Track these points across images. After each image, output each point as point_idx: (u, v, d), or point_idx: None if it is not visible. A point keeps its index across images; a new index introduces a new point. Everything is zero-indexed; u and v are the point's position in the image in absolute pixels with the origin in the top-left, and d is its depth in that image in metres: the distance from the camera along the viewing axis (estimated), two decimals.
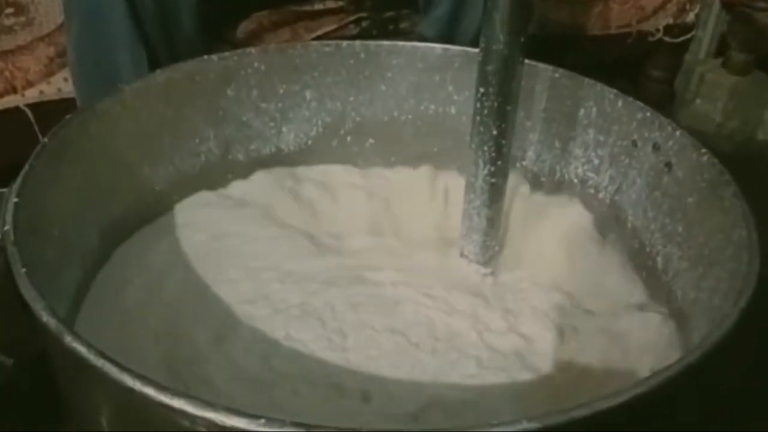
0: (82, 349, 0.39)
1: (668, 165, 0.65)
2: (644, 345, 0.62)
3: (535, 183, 0.78)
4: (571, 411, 0.38)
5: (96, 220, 0.67)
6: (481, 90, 0.60)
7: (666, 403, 0.44)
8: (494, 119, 0.61)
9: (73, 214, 0.62)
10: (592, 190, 0.75)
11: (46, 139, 0.59)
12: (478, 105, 0.61)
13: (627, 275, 0.70)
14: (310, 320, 0.63)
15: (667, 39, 1.32)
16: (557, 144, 0.76)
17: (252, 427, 0.36)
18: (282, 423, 0.37)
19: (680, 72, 1.31)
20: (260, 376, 0.58)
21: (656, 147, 0.67)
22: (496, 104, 0.60)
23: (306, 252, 0.71)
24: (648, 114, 0.67)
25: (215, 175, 0.78)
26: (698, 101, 1.26)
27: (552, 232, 0.73)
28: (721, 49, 1.28)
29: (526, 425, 0.37)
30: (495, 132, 0.62)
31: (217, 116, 0.76)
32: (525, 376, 0.60)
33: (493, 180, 0.64)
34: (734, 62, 1.23)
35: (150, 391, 0.37)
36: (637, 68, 1.37)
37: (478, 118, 0.62)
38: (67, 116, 0.62)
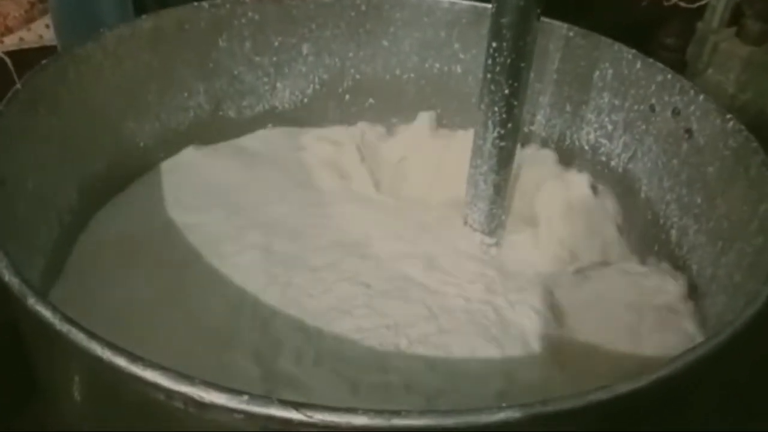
0: (46, 313, 0.36)
1: (688, 131, 0.62)
2: (655, 323, 0.59)
3: (544, 149, 0.74)
4: (589, 394, 0.34)
5: (75, 175, 0.63)
6: (494, 45, 0.56)
7: (683, 392, 0.41)
8: (506, 77, 0.57)
9: (49, 167, 0.58)
10: (603, 158, 0.72)
11: (18, 86, 0.55)
12: (490, 61, 0.57)
13: (637, 249, 0.67)
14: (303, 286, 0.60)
15: (682, 4, 1.27)
16: (569, 108, 0.73)
17: (233, 403, 0.33)
18: (268, 400, 0.33)
19: (692, 40, 1.26)
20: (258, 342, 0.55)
21: (676, 112, 0.63)
22: (509, 61, 0.56)
23: (304, 217, 0.68)
24: (669, 77, 0.64)
25: (205, 132, 0.75)
26: (710, 71, 1.21)
27: (559, 202, 0.69)
28: (735, 18, 1.22)
29: (540, 409, 0.33)
30: (507, 91, 0.57)
31: (208, 69, 0.73)
32: (519, 351, 0.56)
33: (503, 144, 0.60)
34: (749, 31, 1.18)
35: (121, 362, 0.34)
36: (650, 35, 1.32)
37: (488, 75, 0.58)
38: (43, 62, 0.58)
